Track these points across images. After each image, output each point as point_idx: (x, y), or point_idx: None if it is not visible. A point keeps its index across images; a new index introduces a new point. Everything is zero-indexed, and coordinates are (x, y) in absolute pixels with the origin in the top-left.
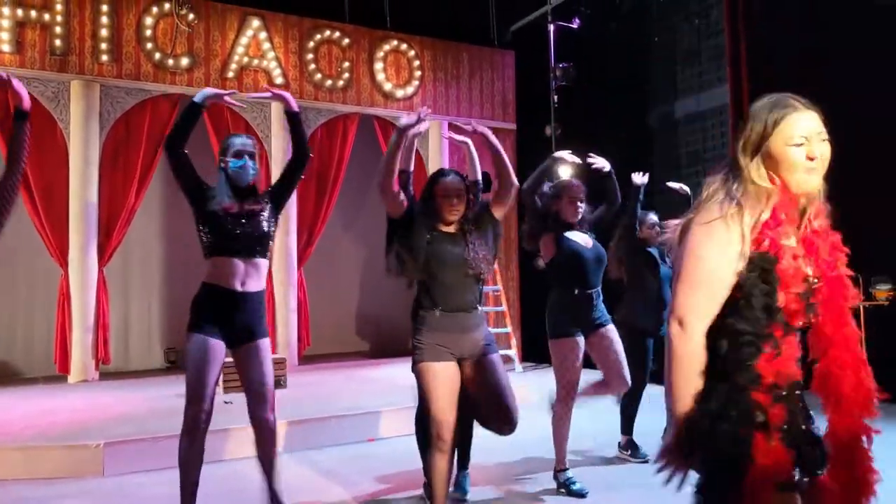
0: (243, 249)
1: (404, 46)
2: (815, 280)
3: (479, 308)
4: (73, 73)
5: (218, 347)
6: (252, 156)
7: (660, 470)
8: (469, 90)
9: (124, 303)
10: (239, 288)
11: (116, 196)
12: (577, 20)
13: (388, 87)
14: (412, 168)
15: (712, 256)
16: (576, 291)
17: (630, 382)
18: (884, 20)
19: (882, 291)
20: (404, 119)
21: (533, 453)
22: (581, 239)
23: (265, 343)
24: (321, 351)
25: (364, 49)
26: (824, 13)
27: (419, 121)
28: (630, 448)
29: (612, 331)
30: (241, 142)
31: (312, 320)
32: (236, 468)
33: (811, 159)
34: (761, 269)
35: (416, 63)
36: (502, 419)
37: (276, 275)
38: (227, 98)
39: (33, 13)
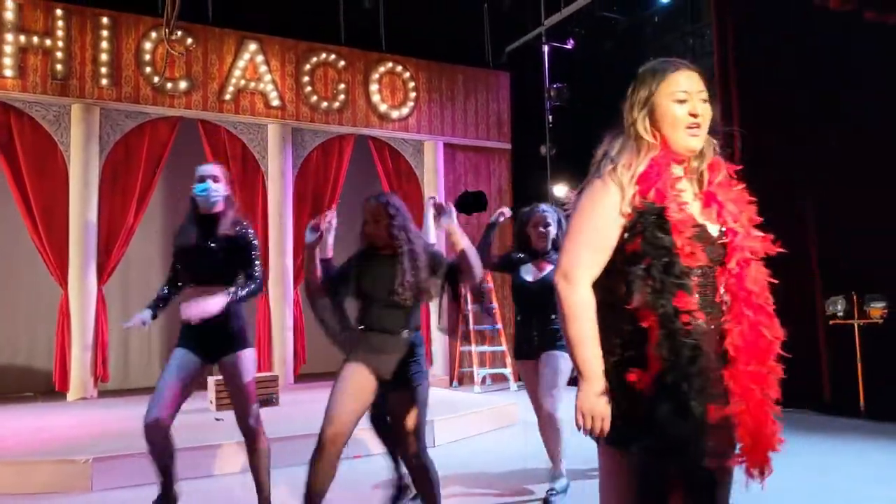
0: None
1: (399, 68)
2: (721, 228)
3: (406, 333)
4: (73, 97)
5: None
6: (215, 178)
7: (578, 426)
8: (464, 111)
9: (124, 321)
10: None
11: (115, 217)
12: (572, 41)
13: (383, 108)
14: (331, 255)
15: (593, 212)
16: (518, 318)
17: (549, 412)
18: (872, 40)
19: (876, 310)
20: (309, 236)
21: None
22: (530, 273)
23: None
24: (317, 370)
25: (359, 71)
26: (812, 33)
27: (320, 235)
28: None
29: (543, 359)
30: (202, 168)
31: (308, 339)
32: (227, 483)
33: (693, 115)
34: (654, 217)
35: (412, 84)
36: (403, 450)
37: (272, 293)
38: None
39: (35, 39)
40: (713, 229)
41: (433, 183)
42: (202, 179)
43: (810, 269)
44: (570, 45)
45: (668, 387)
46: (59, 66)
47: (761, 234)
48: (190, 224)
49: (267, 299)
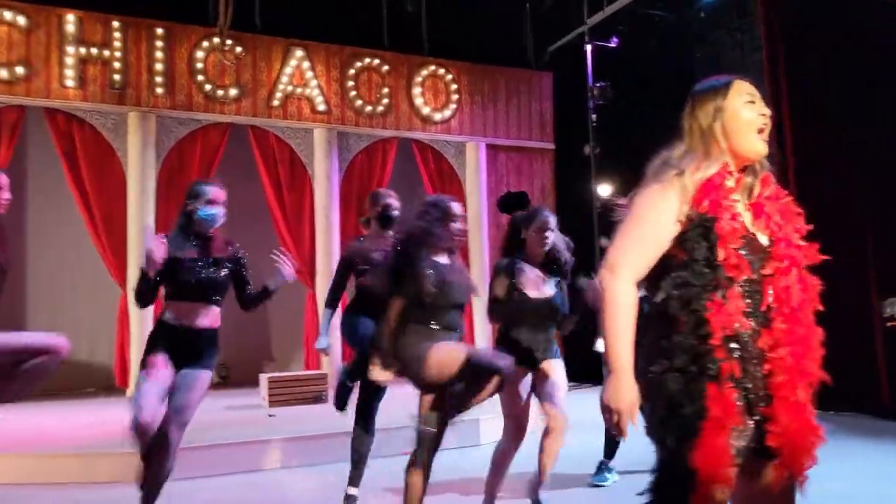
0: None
1: (442, 71)
2: (769, 241)
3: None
4: (130, 106)
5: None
6: (224, 203)
7: (608, 419)
8: (507, 111)
9: None
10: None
11: (171, 219)
12: (615, 39)
13: (426, 111)
14: None
15: (649, 218)
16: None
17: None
18: None
19: None
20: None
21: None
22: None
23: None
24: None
25: (403, 75)
26: (862, 25)
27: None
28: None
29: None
30: (209, 189)
31: None
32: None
33: (763, 115)
34: (702, 228)
35: (454, 87)
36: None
37: (319, 293)
38: None
39: (94, 50)
40: (763, 239)
41: (475, 184)
42: (211, 203)
43: (866, 271)
44: (613, 44)
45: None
46: (116, 76)
47: (806, 243)
48: (184, 241)
49: (314, 299)
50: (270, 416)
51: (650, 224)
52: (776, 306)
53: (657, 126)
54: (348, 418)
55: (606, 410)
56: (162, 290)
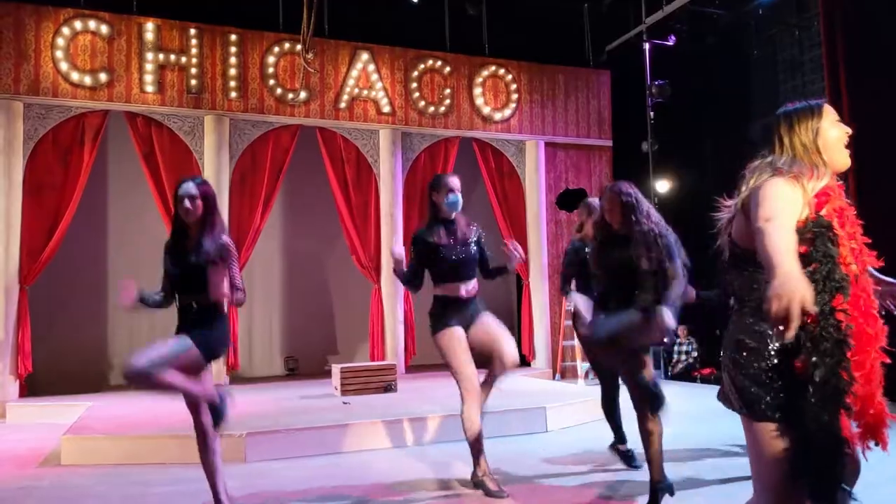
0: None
1: (502, 71)
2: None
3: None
4: (206, 109)
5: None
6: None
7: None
8: (565, 110)
9: (248, 316)
10: None
11: (244, 218)
12: (673, 37)
13: (486, 110)
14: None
15: (787, 196)
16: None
17: None
18: None
19: None
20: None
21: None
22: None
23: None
24: (425, 361)
25: (464, 76)
26: None
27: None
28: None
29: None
30: (451, 180)
31: (417, 332)
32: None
33: (847, 133)
34: (825, 229)
35: (514, 86)
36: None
37: (385, 289)
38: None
39: (172, 57)
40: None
41: (535, 182)
42: (452, 191)
43: None
44: (671, 42)
45: (808, 371)
46: (193, 81)
47: (868, 251)
48: (435, 228)
49: (380, 295)
50: (345, 403)
51: (788, 200)
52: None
53: (714, 124)
54: (414, 405)
55: (777, 299)
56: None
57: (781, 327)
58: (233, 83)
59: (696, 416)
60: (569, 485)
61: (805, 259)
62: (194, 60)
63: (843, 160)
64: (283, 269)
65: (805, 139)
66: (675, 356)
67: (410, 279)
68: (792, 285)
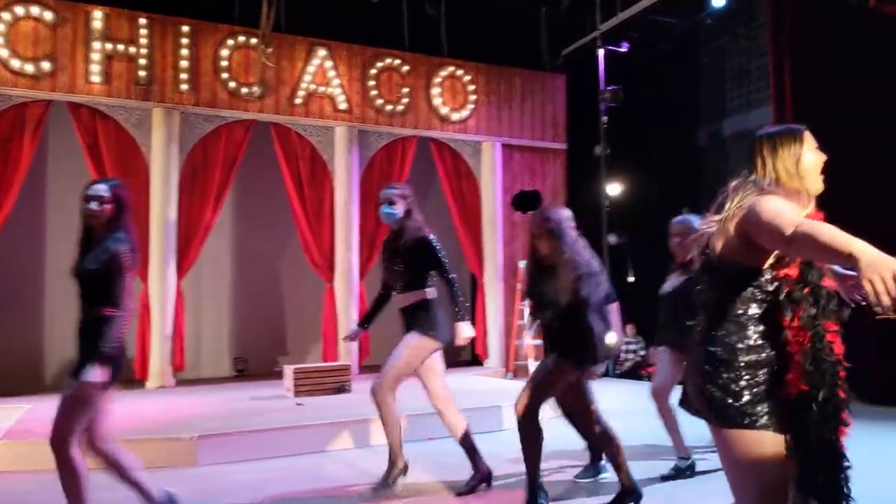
0: None
1: (460, 72)
2: None
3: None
4: (155, 102)
5: None
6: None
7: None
8: (521, 112)
9: (196, 314)
10: None
11: (194, 215)
12: (626, 44)
13: (444, 110)
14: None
15: (793, 208)
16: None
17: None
18: None
19: None
20: None
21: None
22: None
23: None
24: (380, 361)
25: (422, 75)
26: (863, 34)
27: None
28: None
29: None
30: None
31: (371, 331)
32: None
33: (823, 160)
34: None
35: (471, 87)
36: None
37: (338, 288)
38: None
39: (120, 47)
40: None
41: (491, 183)
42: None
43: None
44: (624, 49)
45: (811, 392)
46: (141, 73)
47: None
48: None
49: (333, 294)
50: (299, 404)
51: (790, 210)
52: None
53: (663, 129)
54: (370, 406)
55: (873, 277)
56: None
57: (886, 301)
58: (184, 76)
59: (645, 412)
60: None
61: (798, 281)
62: (144, 51)
63: (819, 186)
64: (232, 267)
65: (788, 164)
66: (623, 354)
67: None
68: (879, 260)
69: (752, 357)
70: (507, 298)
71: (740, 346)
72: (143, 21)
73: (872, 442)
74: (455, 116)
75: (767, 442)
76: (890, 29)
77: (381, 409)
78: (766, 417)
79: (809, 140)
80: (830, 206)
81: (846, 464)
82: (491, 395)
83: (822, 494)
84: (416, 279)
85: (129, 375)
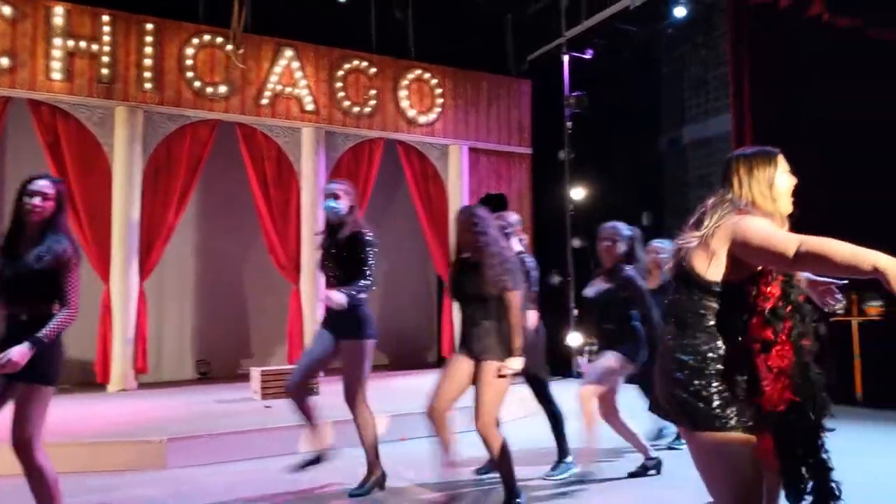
0: None
1: (427, 75)
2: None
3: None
4: (118, 100)
5: None
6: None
7: None
8: (487, 116)
9: (158, 316)
10: None
11: (157, 215)
12: (591, 51)
13: (411, 113)
14: None
15: (771, 226)
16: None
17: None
18: (875, 57)
19: (874, 308)
20: None
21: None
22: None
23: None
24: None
25: (389, 78)
26: (818, 45)
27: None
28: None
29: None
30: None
31: None
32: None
33: (794, 183)
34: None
35: (438, 91)
36: None
37: (304, 290)
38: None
39: (83, 44)
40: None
41: (458, 186)
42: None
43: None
44: (589, 56)
45: (802, 403)
46: (104, 70)
47: None
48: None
49: (299, 296)
50: (267, 406)
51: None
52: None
53: (625, 136)
54: (339, 407)
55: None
56: None
57: None
58: (148, 74)
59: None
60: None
61: (781, 298)
62: (106, 49)
63: (789, 208)
64: (196, 269)
65: (763, 187)
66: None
67: None
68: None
69: (722, 365)
70: None
71: (711, 354)
72: (105, 18)
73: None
74: (422, 119)
75: (738, 442)
76: (844, 41)
77: (357, 419)
78: (734, 419)
79: (782, 163)
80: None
81: (831, 465)
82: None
83: (815, 495)
84: (352, 276)
85: (90, 378)
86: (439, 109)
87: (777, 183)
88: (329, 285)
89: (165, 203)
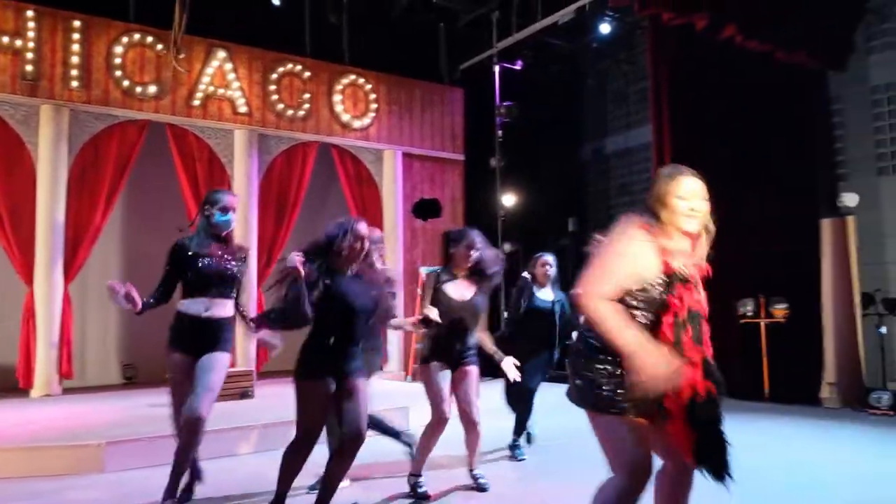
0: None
1: (361, 80)
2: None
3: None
4: (43, 98)
5: None
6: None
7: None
8: (421, 123)
9: (81, 319)
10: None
11: (83, 217)
12: (520, 62)
13: (345, 117)
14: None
15: (629, 256)
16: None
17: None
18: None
19: (779, 310)
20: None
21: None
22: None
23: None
24: (277, 367)
25: (324, 82)
26: (728, 64)
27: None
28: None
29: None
30: (228, 199)
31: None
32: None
33: (691, 209)
34: (677, 280)
35: (373, 96)
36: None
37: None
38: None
39: (5, 39)
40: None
41: (392, 190)
42: (225, 210)
43: (726, 275)
44: (518, 67)
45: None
46: (28, 67)
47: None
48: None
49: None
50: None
51: (630, 262)
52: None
53: (552, 146)
54: (275, 410)
55: (645, 386)
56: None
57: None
58: (74, 72)
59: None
60: (438, 479)
61: (684, 307)
62: (31, 45)
63: (687, 226)
64: (121, 270)
65: (657, 202)
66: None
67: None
68: (651, 373)
69: (611, 355)
70: (407, 304)
71: (597, 345)
72: (30, 14)
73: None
74: (356, 124)
75: (628, 423)
76: (755, 61)
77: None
78: (623, 404)
79: (682, 186)
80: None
81: (728, 444)
82: (397, 398)
83: (713, 468)
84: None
85: (11, 384)
86: (373, 114)
87: (669, 201)
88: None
89: (92, 204)
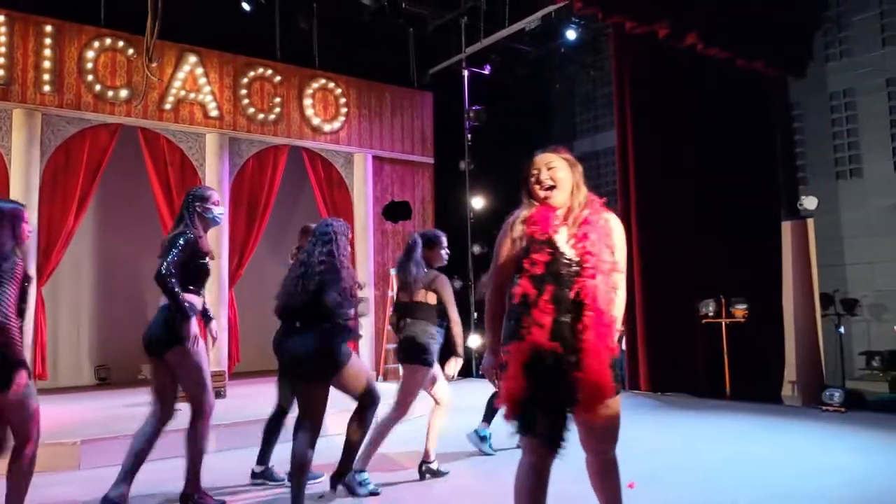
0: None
1: (331, 84)
2: (578, 256)
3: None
4: (15, 102)
5: None
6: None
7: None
8: (391, 126)
9: (54, 322)
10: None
11: (55, 219)
12: (489, 67)
13: (316, 121)
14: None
15: (501, 252)
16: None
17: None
18: (740, 82)
19: (739, 311)
20: None
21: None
22: None
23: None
24: (250, 368)
25: (294, 86)
26: (688, 71)
27: None
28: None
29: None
30: (214, 193)
31: (242, 338)
32: None
33: (539, 183)
34: (531, 245)
35: (343, 100)
36: None
37: (208, 295)
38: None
39: None
40: (570, 253)
41: (363, 193)
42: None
43: (688, 276)
44: (487, 71)
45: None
46: (0, 72)
47: (611, 258)
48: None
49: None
50: (177, 409)
51: (502, 256)
52: (584, 301)
53: (520, 149)
54: (248, 409)
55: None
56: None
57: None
58: (46, 76)
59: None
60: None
61: (547, 265)
62: (3, 50)
63: (539, 198)
64: (94, 273)
65: (523, 184)
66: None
67: None
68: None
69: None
70: (378, 304)
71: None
72: (1, 18)
73: (689, 427)
74: (327, 127)
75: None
76: (715, 68)
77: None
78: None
79: (532, 163)
80: (659, 201)
81: (568, 415)
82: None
83: (538, 429)
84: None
85: None
86: (344, 118)
87: (525, 181)
88: (195, 293)
89: (64, 207)
